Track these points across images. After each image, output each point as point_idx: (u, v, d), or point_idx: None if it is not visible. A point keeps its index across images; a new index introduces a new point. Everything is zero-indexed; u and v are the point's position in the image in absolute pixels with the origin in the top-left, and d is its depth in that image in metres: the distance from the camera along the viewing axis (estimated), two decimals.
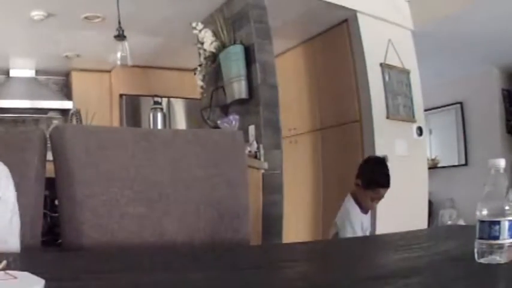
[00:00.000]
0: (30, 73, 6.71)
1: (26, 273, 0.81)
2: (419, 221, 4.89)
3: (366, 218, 3.34)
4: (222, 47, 4.54)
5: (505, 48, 5.94)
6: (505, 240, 1.02)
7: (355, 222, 3.22)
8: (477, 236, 1.05)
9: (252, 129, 4.24)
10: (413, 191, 5.02)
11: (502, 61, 6.78)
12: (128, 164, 1.61)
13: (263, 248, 2.19)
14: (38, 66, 6.70)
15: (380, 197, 3.33)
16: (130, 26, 4.43)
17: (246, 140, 4.07)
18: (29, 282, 0.78)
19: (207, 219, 1.68)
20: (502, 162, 1.08)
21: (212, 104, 4.86)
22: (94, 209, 1.53)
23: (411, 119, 5.15)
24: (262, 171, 3.94)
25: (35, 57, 6.37)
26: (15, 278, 0.78)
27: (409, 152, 5.06)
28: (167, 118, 6.43)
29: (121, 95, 6.85)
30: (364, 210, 3.32)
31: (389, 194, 4.56)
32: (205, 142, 1.77)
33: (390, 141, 4.91)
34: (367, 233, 3.32)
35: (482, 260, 1.04)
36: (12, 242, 1.33)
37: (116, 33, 4.39)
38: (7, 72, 6.60)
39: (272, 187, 3.98)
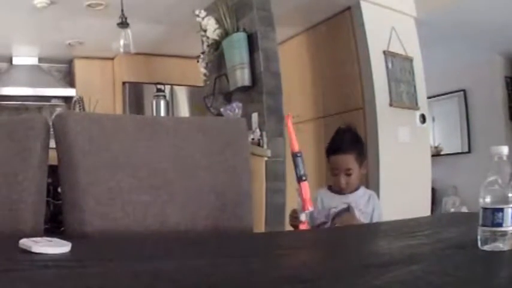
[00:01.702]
0: (33, 61, 6.72)
1: (56, 238, 1.15)
2: (422, 209, 4.88)
3: (333, 197, 2.77)
4: (225, 34, 4.53)
5: (509, 36, 5.90)
6: (508, 227, 1.01)
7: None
8: (480, 223, 1.05)
9: (255, 116, 4.23)
10: (416, 178, 5.02)
11: (506, 49, 6.74)
12: (131, 152, 1.61)
13: (266, 236, 2.19)
14: (41, 53, 6.69)
15: (334, 168, 2.79)
16: (133, 14, 4.42)
17: (249, 128, 4.07)
18: (61, 243, 1.11)
19: (210, 207, 1.68)
20: (505, 150, 1.07)
21: (215, 92, 4.86)
22: (97, 197, 1.53)
23: (414, 106, 5.14)
24: (265, 158, 3.94)
25: (38, 44, 6.37)
26: (51, 241, 1.13)
27: (412, 140, 5.05)
28: (170, 106, 6.43)
29: (124, 83, 6.85)
30: (335, 189, 2.81)
31: (392, 181, 4.60)
32: (208, 130, 1.76)
33: (393, 128, 4.90)
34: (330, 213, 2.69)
35: (485, 247, 1.04)
36: None
37: (119, 20, 4.39)
38: (10, 60, 6.61)
39: (275, 175, 3.98)
